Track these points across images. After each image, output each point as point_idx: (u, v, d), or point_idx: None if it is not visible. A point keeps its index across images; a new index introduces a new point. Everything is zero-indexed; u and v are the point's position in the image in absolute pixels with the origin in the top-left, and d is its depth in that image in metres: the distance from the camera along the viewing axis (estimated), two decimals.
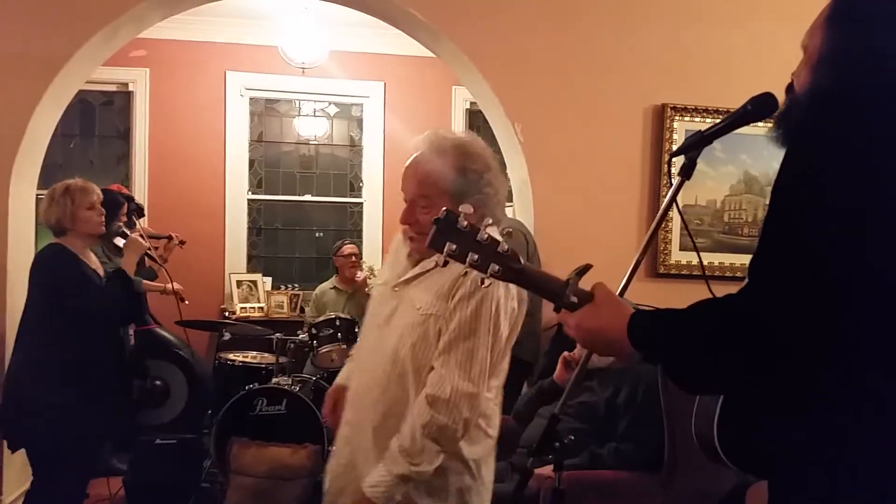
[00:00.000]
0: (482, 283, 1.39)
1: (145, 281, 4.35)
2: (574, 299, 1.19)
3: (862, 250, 0.93)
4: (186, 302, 4.42)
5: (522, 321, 1.78)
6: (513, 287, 1.64)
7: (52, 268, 2.87)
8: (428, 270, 1.72)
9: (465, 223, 1.19)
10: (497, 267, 1.19)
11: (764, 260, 1.00)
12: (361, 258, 5.54)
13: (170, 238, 4.65)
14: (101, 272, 3.03)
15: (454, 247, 1.19)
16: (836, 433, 0.97)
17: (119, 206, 4.16)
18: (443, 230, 1.19)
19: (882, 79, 1.02)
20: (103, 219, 3.02)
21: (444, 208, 1.22)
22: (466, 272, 1.57)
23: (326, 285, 5.31)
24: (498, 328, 1.67)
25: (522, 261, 1.22)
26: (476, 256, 1.19)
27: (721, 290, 1.20)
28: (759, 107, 1.26)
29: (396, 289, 1.78)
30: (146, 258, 4.51)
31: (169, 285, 4.36)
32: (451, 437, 1.64)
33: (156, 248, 4.52)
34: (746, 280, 1.01)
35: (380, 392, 1.72)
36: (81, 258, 2.93)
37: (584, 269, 1.21)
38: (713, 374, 1.03)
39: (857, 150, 0.96)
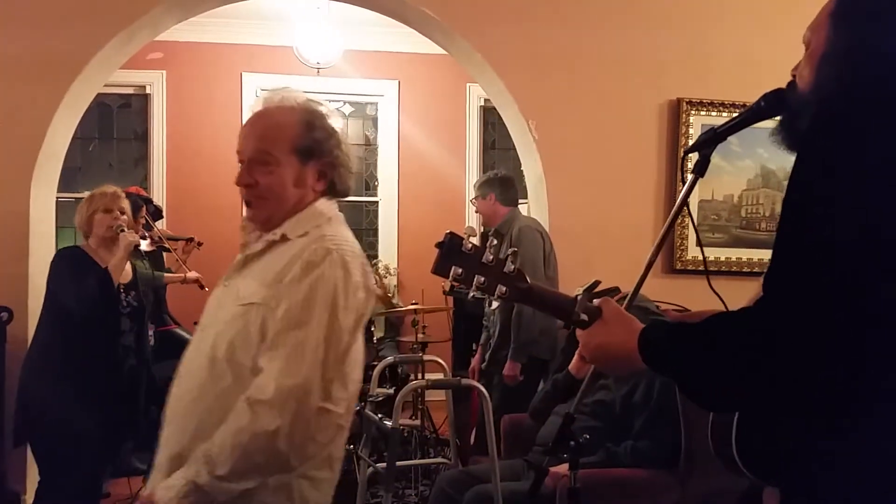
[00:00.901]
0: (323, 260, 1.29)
1: (167, 275, 4.40)
2: (584, 316, 1.20)
3: (879, 256, 0.91)
4: (206, 289, 4.48)
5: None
6: (356, 271, 1.44)
7: (53, 267, 2.93)
8: (260, 252, 1.50)
9: (470, 245, 1.18)
10: (504, 288, 1.19)
11: (779, 271, 0.97)
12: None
13: (189, 240, 4.70)
14: (124, 277, 3.02)
15: (460, 270, 1.18)
16: (856, 439, 0.96)
17: (138, 209, 4.22)
18: (447, 254, 1.18)
19: (890, 76, 1.00)
20: (119, 223, 2.97)
21: (448, 231, 1.19)
22: (301, 255, 1.41)
23: None
24: (336, 316, 1.39)
25: (529, 280, 1.21)
26: (483, 279, 1.18)
27: (739, 285, 1.19)
28: (773, 103, 1.24)
29: (227, 283, 1.53)
30: (163, 253, 4.56)
31: (190, 274, 4.42)
32: (272, 448, 1.33)
33: (174, 250, 4.57)
34: (761, 293, 0.98)
35: (192, 401, 1.43)
36: (96, 261, 2.93)
37: (592, 286, 1.21)
38: (729, 390, 1.00)
39: (868, 152, 0.94)
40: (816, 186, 0.96)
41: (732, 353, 0.98)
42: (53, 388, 2.77)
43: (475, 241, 1.21)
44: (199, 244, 4.77)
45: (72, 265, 2.91)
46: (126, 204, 3.06)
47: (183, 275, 4.44)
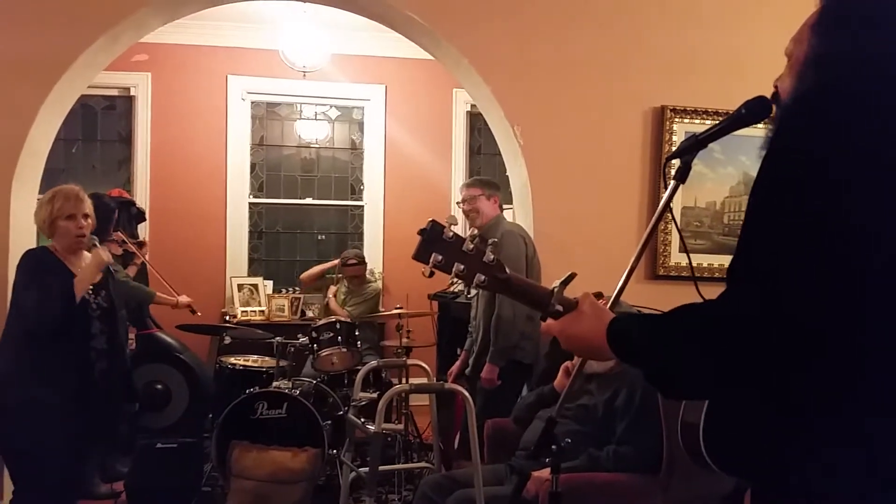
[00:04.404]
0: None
1: (158, 294, 4.36)
2: (559, 308, 1.22)
3: (840, 251, 0.93)
4: (199, 314, 4.44)
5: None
6: None
7: (20, 269, 2.78)
8: None
9: (451, 234, 1.20)
10: (483, 277, 1.21)
11: (742, 262, 0.99)
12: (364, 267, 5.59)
13: (141, 245, 4.62)
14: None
15: (440, 258, 1.20)
16: (820, 434, 0.97)
17: (111, 213, 4.16)
18: (428, 241, 1.20)
19: (864, 82, 1.02)
20: (85, 231, 2.82)
21: (430, 219, 1.22)
22: None
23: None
24: None
25: (508, 270, 1.23)
26: (462, 267, 1.20)
27: (721, 291, 1.20)
28: (753, 110, 1.26)
29: None
30: (125, 260, 4.49)
31: (182, 298, 4.37)
32: None
33: (133, 254, 4.50)
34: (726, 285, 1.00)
35: None
36: (65, 264, 2.80)
37: (568, 279, 1.24)
38: (692, 379, 1.03)
39: (834, 150, 0.96)
40: (783, 178, 0.98)
41: (694, 340, 1.00)
42: (24, 398, 2.65)
43: (457, 229, 1.23)
44: (143, 244, 4.65)
45: (35, 268, 2.75)
46: (90, 205, 2.91)
47: (175, 299, 4.39)
